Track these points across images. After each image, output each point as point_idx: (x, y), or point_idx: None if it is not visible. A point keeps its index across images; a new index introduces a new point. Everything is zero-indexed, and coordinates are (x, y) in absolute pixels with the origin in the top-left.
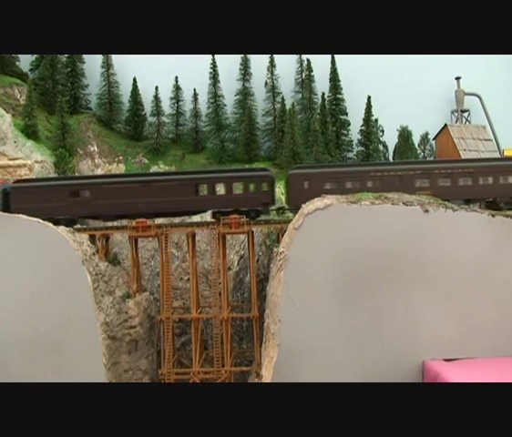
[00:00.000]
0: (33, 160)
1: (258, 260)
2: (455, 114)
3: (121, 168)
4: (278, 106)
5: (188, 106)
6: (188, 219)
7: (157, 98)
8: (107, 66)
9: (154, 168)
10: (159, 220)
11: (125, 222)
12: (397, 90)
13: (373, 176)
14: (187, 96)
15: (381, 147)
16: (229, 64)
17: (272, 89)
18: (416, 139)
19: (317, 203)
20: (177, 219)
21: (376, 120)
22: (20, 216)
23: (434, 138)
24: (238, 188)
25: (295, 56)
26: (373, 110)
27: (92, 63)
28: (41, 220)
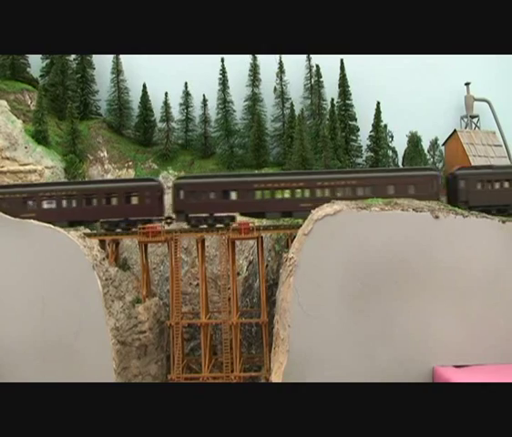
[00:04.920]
0: (43, 166)
1: (267, 266)
2: (465, 119)
3: (131, 174)
4: (287, 111)
5: (197, 111)
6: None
7: (166, 104)
8: (117, 72)
9: (163, 174)
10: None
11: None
12: (407, 96)
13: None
14: (196, 102)
15: (390, 152)
16: (238, 70)
17: (281, 95)
18: (426, 145)
19: (327, 209)
20: (186, 225)
21: (386, 126)
22: (32, 221)
23: (443, 144)
24: None
25: (304, 62)
26: (383, 116)
27: (102, 69)
28: (52, 226)
